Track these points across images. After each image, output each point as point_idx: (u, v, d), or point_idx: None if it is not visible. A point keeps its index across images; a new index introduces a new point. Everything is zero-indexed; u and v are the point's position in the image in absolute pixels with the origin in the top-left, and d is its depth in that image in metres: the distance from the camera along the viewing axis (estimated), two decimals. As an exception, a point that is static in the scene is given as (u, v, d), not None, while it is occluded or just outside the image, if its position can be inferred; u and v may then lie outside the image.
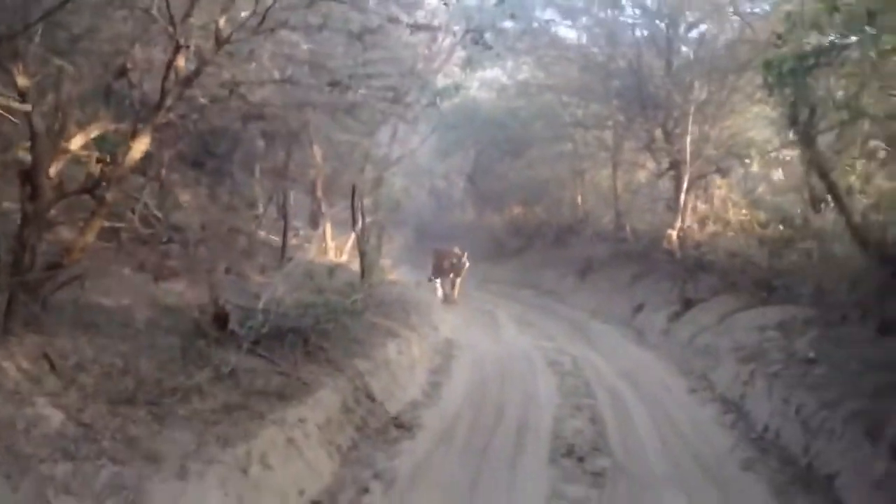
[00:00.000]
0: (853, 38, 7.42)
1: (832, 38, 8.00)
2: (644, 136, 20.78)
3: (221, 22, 6.63)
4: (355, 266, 15.92)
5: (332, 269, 13.79)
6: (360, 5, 8.05)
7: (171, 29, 6.35)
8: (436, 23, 12.46)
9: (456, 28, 14.40)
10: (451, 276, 21.10)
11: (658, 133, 19.98)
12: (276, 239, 15.28)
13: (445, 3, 10.54)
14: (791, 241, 14.13)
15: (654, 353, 14.67)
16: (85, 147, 7.13)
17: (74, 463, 5.31)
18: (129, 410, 6.31)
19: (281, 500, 6.30)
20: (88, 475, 5.23)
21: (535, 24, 22.55)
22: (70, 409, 6.01)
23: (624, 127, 22.14)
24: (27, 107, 6.43)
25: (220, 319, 8.57)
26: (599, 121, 23.66)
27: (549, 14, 23.72)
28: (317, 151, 16.27)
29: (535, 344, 15.18)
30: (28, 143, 6.96)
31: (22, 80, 6.44)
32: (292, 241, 15.98)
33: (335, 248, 17.86)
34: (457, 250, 21.48)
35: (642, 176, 23.36)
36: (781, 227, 14.87)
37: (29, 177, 6.75)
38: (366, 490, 6.96)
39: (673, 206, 18.18)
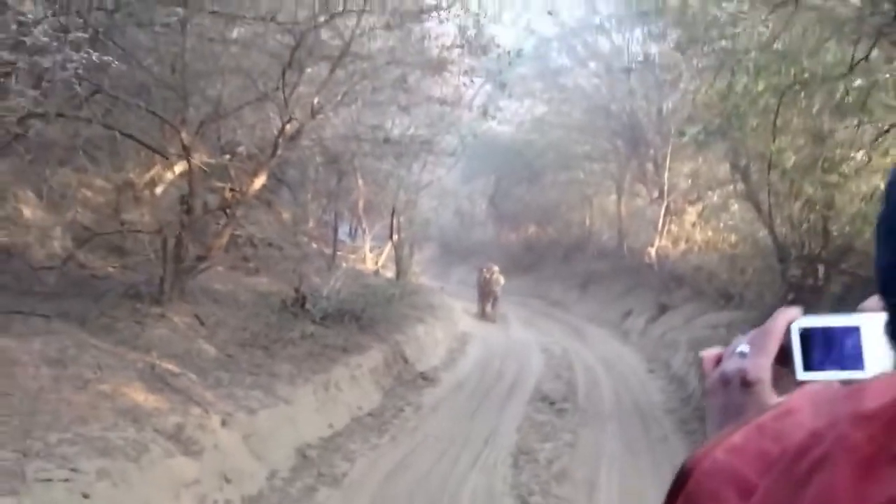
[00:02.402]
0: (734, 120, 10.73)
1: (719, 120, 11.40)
2: (638, 169, 24.32)
3: (315, 101, 10.20)
4: (389, 273, 19.51)
5: (374, 272, 17.38)
6: (406, 88, 11.53)
7: (284, 108, 9.91)
8: (463, 84, 15.51)
9: (479, 79, 17.89)
10: (489, 293, 22.13)
11: (649, 167, 23.48)
12: (326, 249, 18.85)
13: (471, 81, 13.87)
14: (748, 256, 17.25)
15: (632, 347, 18.06)
16: (220, 180, 10.73)
17: (230, 373, 8.87)
18: (251, 350, 9.90)
19: (348, 410, 9.83)
20: (239, 379, 8.78)
21: (547, 70, 26.17)
22: (218, 347, 9.60)
23: (625, 159, 25.62)
24: (193, 160, 10.01)
25: (300, 300, 12.14)
26: (604, 154, 27.17)
27: (563, 59, 27.43)
28: (360, 178, 19.83)
29: (535, 338, 18.60)
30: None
31: (186, 137, 10.04)
32: (338, 252, 19.54)
33: (373, 257, 21.38)
34: (494, 267, 22.63)
35: (640, 202, 26.73)
36: (739, 245, 18.03)
37: (186, 200, 10.38)
38: (401, 411, 10.51)
39: (656, 229, 21.59)
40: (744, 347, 0.97)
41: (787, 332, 0.94)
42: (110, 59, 6.25)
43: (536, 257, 32.17)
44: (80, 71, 5.90)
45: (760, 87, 9.96)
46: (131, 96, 9.41)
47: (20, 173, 11.27)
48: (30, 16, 5.74)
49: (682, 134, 12.56)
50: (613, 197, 28.18)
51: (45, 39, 5.25)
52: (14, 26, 5.67)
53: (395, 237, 19.57)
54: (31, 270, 9.69)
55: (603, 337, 19.85)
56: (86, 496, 5.34)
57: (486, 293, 22.07)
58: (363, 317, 12.66)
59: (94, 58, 5.68)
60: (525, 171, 31.87)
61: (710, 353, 1.03)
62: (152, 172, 13.19)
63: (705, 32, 9.98)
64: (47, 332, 7.85)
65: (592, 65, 26.25)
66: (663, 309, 19.20)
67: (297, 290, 12.36)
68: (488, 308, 22.00)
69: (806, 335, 0.93)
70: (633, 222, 26.85)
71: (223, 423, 7.41)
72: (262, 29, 9.20)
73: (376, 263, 20.87)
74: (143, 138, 10.34)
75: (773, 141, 10.03)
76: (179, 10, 8.18)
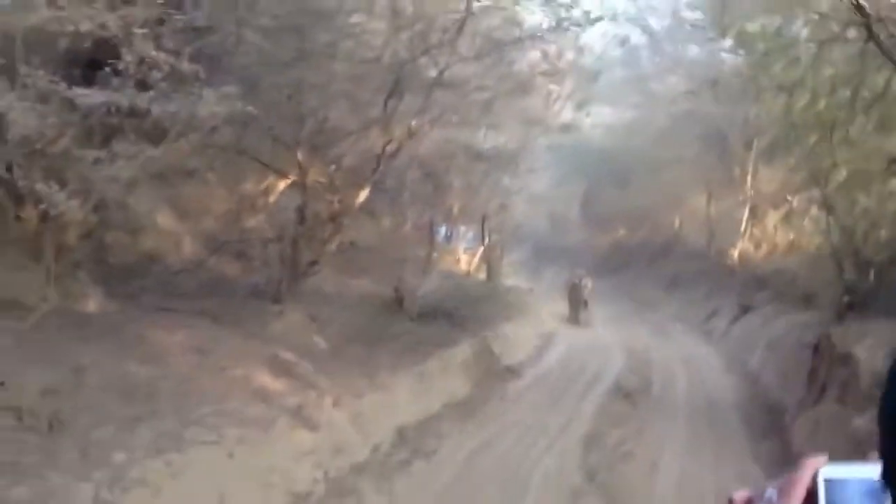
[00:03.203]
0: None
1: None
2: (723, 175, 24.96)
3: (413, 124, 11.52)
4: (482, 275, 20.80)
5: (466, 274, 18.69)
6: (492, 110, 12.78)
7: (385, 130, 11.28)
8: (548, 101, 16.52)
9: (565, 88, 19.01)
10: (580, 299, 22.41)
11: (736, 171, 24.10)
12: (421, 253, 20.22)
13: (554, 101, 15.04)
14: (822, 259, 17.75)
15: (713, 347, 18.86)
16: (329, 192, 12.16)
17: (339, 363, 10.27)
18: (356, 344, 11.28)
19: (440, 398, 11.12)
20: (347, 368, 10.16)
21: (635, 77, 27.02)
22: (328, 340, 11.02)
23: (711, 165, 26.24)
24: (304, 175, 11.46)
25: (398, 300, 13.50)
26: (691, 159, 27.79)
27: (651, 66, 28.22)
28: (455, 184, 21.12)
29: (619, 336, 19.54)
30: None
31: (301, 155, 11.49)
32: (433, 255, 20.89)
33: (466, 260, 22.67)
34: (583, 273, 23.24)
35: (726, 206, 27.25)
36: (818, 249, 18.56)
37: (301, 210, 11.84)
38: (488, 399, 11.75)
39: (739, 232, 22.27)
40: (771, 493, 0.99)
41: (815, 478, 0.95)
42: (252, 109, 7.64)
43: (625, 259, 32.97)
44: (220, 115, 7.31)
45: (821, 105, 10.84)
46: (255, 122, 10.90)
47: (155, 188, 12.97)
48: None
49: (748, 147, 13.38)
50: (702, 201, 28.75)
51: (205, 96, 6.68)
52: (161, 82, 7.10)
53: (487, 242, 20.82)
54: (170, 274, 11.32)
55: (686, 336, 20.64)
56: (230, 455, 6.77)
57: (576, 299, 22.46)
58: (455, 315, 13.94)
59: (239, 106, 7.08)
60: (615, 176, 32.71)
61: (740, 495, 1.03)
62: (265, 183, 14.84)
63: (766, 57, 10.89)
64: (188, 327, 9.36)
65: (679, 72, 26.91)
66: (745, 310, 19.88)
67: (396, 291, 13.72)
68: (580, 314, 22.28)
69: (830, 483, 0.95)
70: (719, 226, 27.38)
71: (335, 404, 8.79)
72: (369, 67, 10.54)
73: (469, 265, 22.13)
74: (262, 158, 11.88)
75: (831, 154, 10.87)
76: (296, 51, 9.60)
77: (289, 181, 13.05)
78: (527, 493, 7.98)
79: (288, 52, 9.21)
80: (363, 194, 12.00)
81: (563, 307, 23.33)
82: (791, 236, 20.15)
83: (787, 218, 20.10)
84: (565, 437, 9.99)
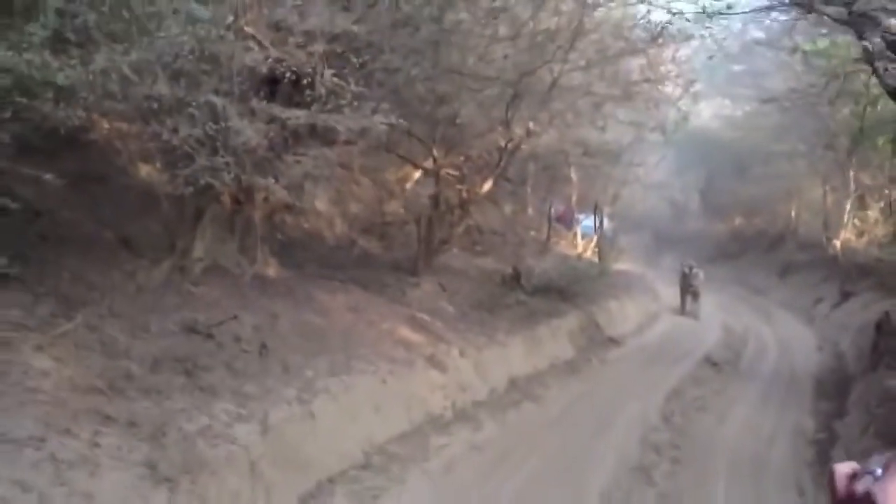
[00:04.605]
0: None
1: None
2: (832, 167, 25.81)
3: (531, 125, 13.55)
4: (594, 259, 22.65)
5: (579, 256, 20.62)
6: (601, 114, 14.66)
7: (507, 131, 13.35)
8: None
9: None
10: (689, 289, 22.17)
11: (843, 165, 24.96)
12: (540, 236, 22.25)
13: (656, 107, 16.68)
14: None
15: (811, 329, 20.12)
16: (459, 182, 14.34)
17: (464, 324, 12.45)
18: (479, 311, 13.46)
19: (547, 357, 13.17)
20: (470, 328, 12.33)
21: (752, 71, 28.05)
22: (455, 306, 13.23)
23: (820, 158, 27.07)
24: (437, 167, 13.67)
25: (516, 276, 15.60)
26: (803, 152, 28.60)
27: (766, 62, 29.15)
28: (573, 174, 23.01)
29: (722, 318, 21.02)
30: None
31: (436, 151, 13.69)
32: (551, 239, 22.88)
33: (582, 245, 24.52)
34: (693, 263, 22.81)
35: (835, 197, 28.01)
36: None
37: (435, 197, 14.09)
38: (589, 361, 13.76)
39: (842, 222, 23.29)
40: (877, 470, 0.98)
41: None
42: (402, 121, 9.88)
43: (741, 247, 34.00)
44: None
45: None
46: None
47: (310, 177, 15.47)
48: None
49: (828, 147, 14.74)
50: (817, 193, 29.51)
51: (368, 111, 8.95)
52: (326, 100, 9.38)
53: (600, 228, 22.67)
54: (327, 249, 13.77)
55: (789, 320, 21.89)
56: (383, 382, 9.05)
57: (686, 290, 22.27)
58: (566, 291, 15.93)
59: (393, 119, 9.29)
60: (733, 166, 33.72)
61: (842, 467, 1.02)
62: (402, 173, 17.23)
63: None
64: (344, 292, 11.71)
65: (794, 68, 27.75)
66: (846, 296, 21.00)
67: (513, 269, 15.83)
68: (688, 304, 22.15)
69: None
70: (831, 217, 28.17)
71: (460, 354, 10.99)
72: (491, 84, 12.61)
73: (584, 249, 23.99)
74: (402, 153, 14.23)
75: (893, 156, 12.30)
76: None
77: (424, 172, 15.33)
78: (612, 428, 9.95)
79: (425, 70, 11.36)
80: (487, 185, 14.14)
81: (674, 293, 24.59)
82: (892, 228, 21.12)
83: (887, 209, 21.08)
84: (651, 392, 11.86)
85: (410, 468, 7.81)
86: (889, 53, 8.62)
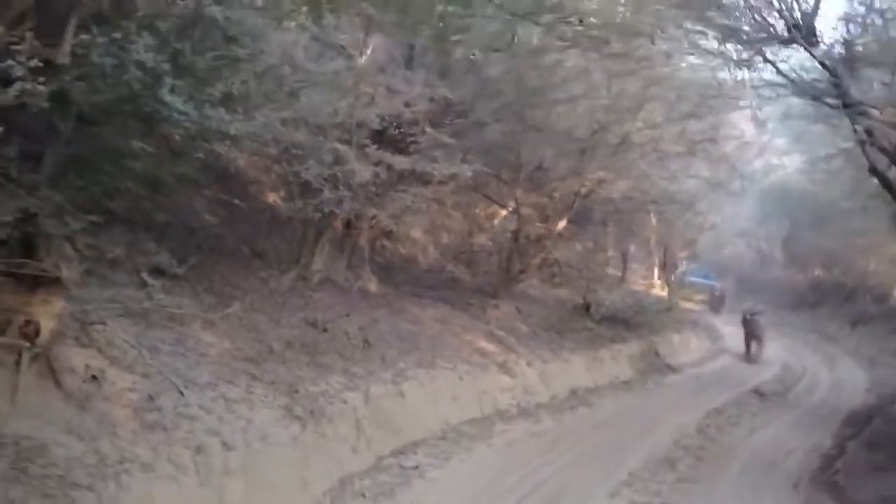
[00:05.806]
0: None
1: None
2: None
3: (601, 174, 15.55)
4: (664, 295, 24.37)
5: (649, 292, 22.38)
6: (665, 167, 16.55)
7: (579, 178, 15.39)
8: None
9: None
10: (753, 335, 22.07)
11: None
12: (617, 273, 24.05)
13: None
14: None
15: (868, 374, 21.19)
16: (539, 219, 16.39)
17: (534, 341, 14.43)
18: (548, 331, 15.42)
19: (607, 376, 15.01)
20: (540, 345, 14.30)
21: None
22: (528, 327, 15.23)
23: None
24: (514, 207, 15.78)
25: (586, 306, 17.50)
26: (878, 206, 29.53)
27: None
28: (652, 218, 24.73)
29: (784, 358, 22.22)
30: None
31: (518, 193, 15.79)
32: (626, 276, 24.64)
33: (660, 283, 26.16)
34: (758, 310, 22.85)
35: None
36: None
37: (515, 232, 16.19)
38: (645, 383, 15.54)
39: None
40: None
41: None
42: (487, 168, 12.16)
43: (819, 296, 34.80)
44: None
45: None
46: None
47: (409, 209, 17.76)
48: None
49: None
50: (893, 248, 30.32)
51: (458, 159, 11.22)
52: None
53: (665, 267, 24.41)
54: (420, 272, 15.99)
55: (849, 365, 22.98)
56: (461, 378, 11.16)
57: (750, 335, 22.13)
58: (630, 322, 17.74)
59: (477, 167, 11.55)
60: (814, 218, 34.61)
61: None
62: (490, 209, 19.39)
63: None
64: (433, 307, 13.86)
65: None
66: (909, 345, 22.12)
67: (584, 298, 17.75)
68: (753, 350, 21.95)
69: None
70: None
71: (528, 364, 13.02)
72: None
73: (659, 288, 25.64)
74: (489, 193, 16.43)
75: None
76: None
77: (507, 210, 17.47)
78: (652, 432, 11.76)
79: (510, 125, 13.59)
80: (562, 224, 16.17)
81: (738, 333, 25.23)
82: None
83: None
84: (695, 410, 13.58)
85: (478, 443, 9.89)
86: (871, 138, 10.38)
